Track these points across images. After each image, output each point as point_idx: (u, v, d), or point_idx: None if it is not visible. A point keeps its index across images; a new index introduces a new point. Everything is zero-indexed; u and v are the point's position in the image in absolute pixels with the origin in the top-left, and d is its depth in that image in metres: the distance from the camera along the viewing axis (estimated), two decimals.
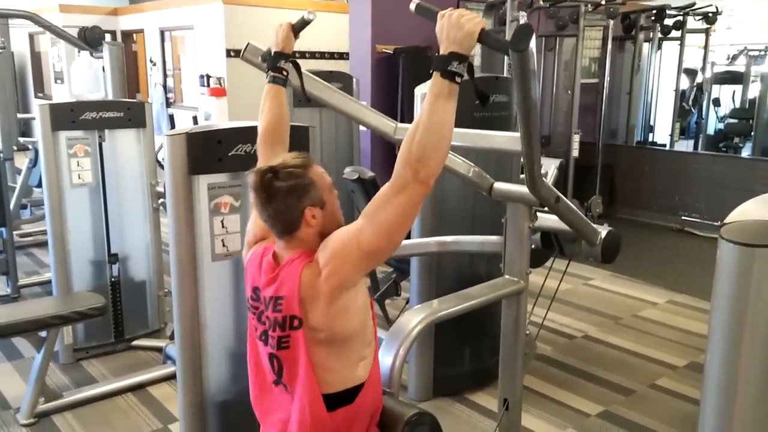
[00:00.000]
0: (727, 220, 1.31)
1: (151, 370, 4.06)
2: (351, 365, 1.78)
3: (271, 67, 2.16)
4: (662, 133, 9.05)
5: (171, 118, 11.18)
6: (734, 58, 9.81)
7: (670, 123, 8.75)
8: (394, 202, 1.59)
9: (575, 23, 7.26)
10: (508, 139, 2.43)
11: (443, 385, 3.84)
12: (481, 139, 2.54)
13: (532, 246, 2.70)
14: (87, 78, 7.04)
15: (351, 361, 1.78)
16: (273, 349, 1.78)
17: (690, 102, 9.23)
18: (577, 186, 6.91)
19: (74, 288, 4.22)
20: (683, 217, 7.60)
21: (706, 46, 8.72)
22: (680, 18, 8.30)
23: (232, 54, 9.75)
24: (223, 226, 2.48)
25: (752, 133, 8.81)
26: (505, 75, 6.19)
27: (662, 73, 8.84)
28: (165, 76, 11.72)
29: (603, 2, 6.85)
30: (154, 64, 11.85)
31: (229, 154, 2.44)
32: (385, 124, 2.59)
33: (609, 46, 7.65)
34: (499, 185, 2.65)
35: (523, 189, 2.76)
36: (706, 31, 8.53)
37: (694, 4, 8.20)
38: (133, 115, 4.30)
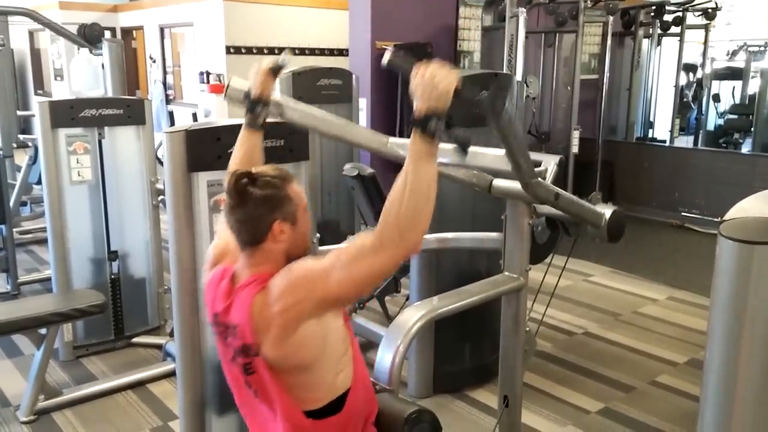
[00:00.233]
0: (726, 217, 1.31)
1: (151, 368, 4.06)
2: (328, 380, 1.74)
3: (249, 110, 2.09)
4: (662, 129, 9.04)
5: (171, 115, 11.17)
6: (734, 53, 9.81)
7: (670, 119, 8.75)
8: (375, 259, 1.55)
9: (575, 19, 7.26)
10: (496, 158, 2.40)
11: (443, 381, 3.84)
12: (472, 157, 2.51)
13: (538, 228, 2.70)
14: (86, 75, 7.05)
15: (326, 377, 1.74)
16: (243, 374, 1.75)
17: (690, 98, 9.22)
18: (577, 182, 6.91)
19: (74, 285, 4.22)
20: (683, 213, 7.60)
21: (705, 42, 8.71)
22: (680, 14, 8.29)
23: (232, 51, 9.74)
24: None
25: (752, 129, 8.80)
26: (504, 71, 6.19)
27: (662, 69, 8.83)
28: (165, 73, 11.72)
29: None
30: (154, 61, 11.84)
31: (229, 151, 2.43)
32: (376, 140, 2.53)
33: (608, 42, 7.64)
34: (499, 182, 2.65)
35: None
36: (706, 27, 8.52)
37: None
38: (132, 113, 4.29)
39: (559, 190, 2.40)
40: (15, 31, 8.47)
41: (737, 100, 9.67)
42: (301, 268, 1.65)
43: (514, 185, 2.68)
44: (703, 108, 9.29)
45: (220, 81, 9.82)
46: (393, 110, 6.71)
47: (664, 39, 8.70)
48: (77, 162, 4.15)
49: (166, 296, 4.46)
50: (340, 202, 5.26)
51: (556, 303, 5.05)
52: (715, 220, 1.46)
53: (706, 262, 1.33)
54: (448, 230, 3.23)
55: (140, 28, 12.24)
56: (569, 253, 2.91)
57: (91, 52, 6.73)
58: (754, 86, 9.25)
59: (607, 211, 2.64)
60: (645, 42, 8.57)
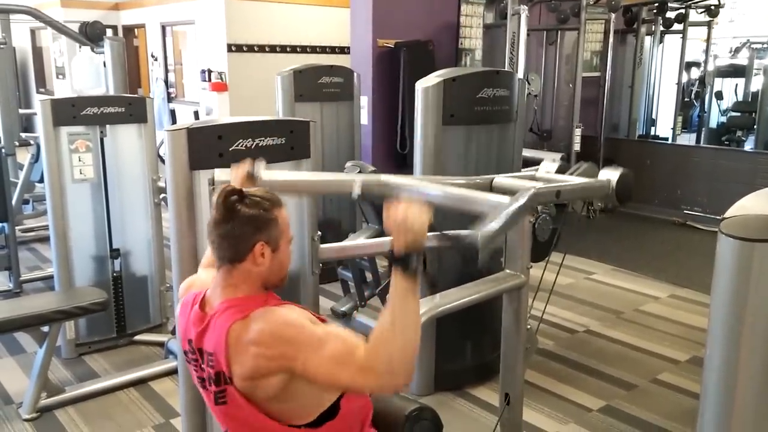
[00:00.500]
0: (727, 214, 1.31)
1: (153, 365, 4.06)
2: (315, 396, 1.69)
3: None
4: (664, 126, 9.02)
5: (172, 113, 11.19)
6: (737, 51, 9.78)
7: (672, 116, 8.74)
8: (359, 376, 1.54)
9: (577, 16, 7.25)
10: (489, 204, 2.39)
11: (445, 379, 3.84)
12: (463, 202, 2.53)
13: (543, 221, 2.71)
14: (88, 73, 7.05)
15: (312, 394, 1.68)
16: (212, 403, 1.72)
17: (692, 95, 9.21)
18: None
19: (76, 283, 4.23)
20: (685, 211, 7.59)
21: (708, 39, 8.69)
22: (682, 11, 8.27)
23: (234, 49, 9.75)
24: None
25: (755, 127, 8.77)
26: (505, 69, 6.19)
27: (664, 67, 8.82)
28: (166, 71, 11.73)
29: None
30: (156, 59, 11.86)
31: (230, 149, 2.43)
32: (345, 183, 2.50)
33: (611, 40, 7.64)
34: (500, 179, 2.66)
35: (524, 183, 2.76)
36: (709, 24, 8.51)
37: None
38: (134, 111, 4.30)
39: (559, 189, 2.40)
40: (17, 29, 8.47)
41: (740, 98, 9.65)
42: (294, 325, 1.61)
43: (516, 182, 2.69)
44: (706, 105, 9.27)
45: (221, 79, 9.83)
46: (394, 108, 6.71)
47: (667, 36, 8.68)
48: (79, 160, 4.15)
49: (168, 294, 4.47)
50: (341, 200, 5.27)
51: (558, 301, 5.06)
52: (718, 217, 1.47)
53: (708, 259, 1.32)
54: (449, 228, 3.22)
55: (142, 26, 12.25)
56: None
57: (92, 50, 6.73)
58: (757, 83, 9.22)
59: (614, 175, 2.65)
60: (647, 39, 8.55)
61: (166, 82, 11.62)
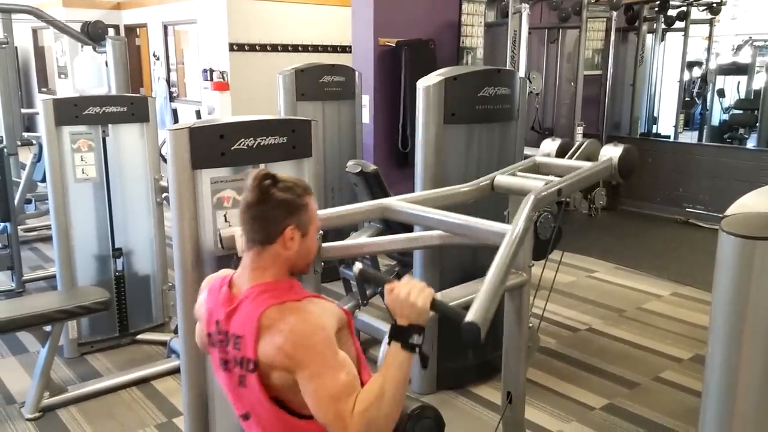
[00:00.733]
0: (728, 212, 1.31)
1: (155, 364, 4.07)
2: None
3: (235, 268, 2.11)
4: (666, 124, 9.01)
5: (174, 112, 11.20)
6: (739, 48, 9.76)
7: (674, 114, 8.72)
8: (335, 422, 1.57)
9: (578, 15, 7.25)
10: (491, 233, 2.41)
11: (447, 378, 3.85)
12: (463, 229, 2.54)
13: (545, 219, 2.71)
14: (90, 73, 7.06)
15: None
16: (235, 384, 1.74)
17: (694, 93, 9.19)
18: None
19: (79, 282, 4.23)
20: (687, 209, 7.58)
21: (710, 37, 8.66)
22: (684, 9, 8.25)
23: (235, 48, 9.75)
24: (226, 220, 2.48)
25: (757, 124, 8.75)
26: (507, 67, 6.18)
27: (666, 65, 8.80)
28: (168, 70, 11.74)
29: None
30: (158, 59, 11.87)
31: (232, 149, 2.43)
32: None
33: (612, 38, 7.63)
34: (501, 178, 2.66)
35: (525, 181, 2.77)
36: (711, 22, 8.48)
37: None
38: (136, 110, 4.30)
39: (560, 188, 2.40)
40: (19, 29, 8.48)
41: (742, 96, 9.63)
42: (323, 337, 1.63)
43: (517, 180, 2.69)
44: (708, 103, 9.26)
45: (223, 78, 9.84)
46: (396, 106, 6.71)
47: (668, 34, 8.66)
48: (81, 159, 4.16)
49: (171, 293, 4.47)
50: (343, 199, 5.27)
51: (561, 299, 5.06)
52: (720, 215, 1.47)
53: (711, 257, 1.32)
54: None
55: (144, 25, 12.26)
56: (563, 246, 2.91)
57: (94, 49, 6.74)
58: (759, 81, 9.21)
59: (615, 152, 2.66)
60: (649, 37, 8.54)
61: (168, 81, 11.63)
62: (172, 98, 11.49)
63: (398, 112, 6.70)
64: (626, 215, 7.76)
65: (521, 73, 6.29)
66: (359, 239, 3.76)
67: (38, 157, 6.14)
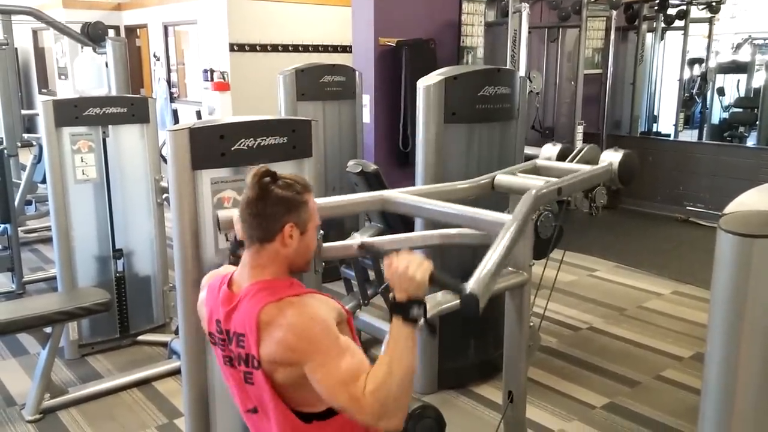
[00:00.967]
0: (726, 210, 1.31)
1: (156, 365, 4.07)
2: None
3: (232, 252, 2.11)
4: (666, 123, 9.01)
5: (175, 113, 11.20)
6: (738, 47, 9.75)
7: (674, 113, 8.72)
8: (350, 404, 1.57)
9: (578, 14, 7.24)
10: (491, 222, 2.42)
11: (448, 377, 3.85)
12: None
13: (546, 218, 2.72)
14: (90, 74, 7.07)
15: None
16: (241, 382, 1.76)
17: (694, 92, 9.19)
18: None
19: (79, 284, 4.24)
20: (688, 207, 7.58)
21: (710, 36, 8.66)
22: (683, 7, 8.26)
23: (236, 48, 9.75)
24: None
25: (757, 123, 8.76)
26: (507, 67, 6.18)
27: (666, 63, 8.80)
28: (169, 71, 11.74)
29: None
30: (158, 59, 11.86)
31: (232, 149, 2.43)
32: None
33: (612, 37, 7.63)
34: (501, 177, 2.65)
35: (526, 180, 2.77)
36: (710, 21, 8.48)
37: None
38: (136, 111, 4.30)
39: (560, 187, 2.40)
40: (19, 30, 8.49)
41: (742, 94, 9.63)
42: (322, 326, 1.63)
43: (518, 179, 2.69)
44: (708, 102, 9.25)
45: (223, 78, 9.83)
46: (396, 106, 6.71)
47: (668, 33, 8.66)
48: (81, 160, 4.16)
49: (171, 294, 4.47)
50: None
51: (562, 298, 5.06)
52: (720, 213, 1.47)
53: (711, 256, 1.33)
54: (451, 225, 3.22)
55: (144, 26, 12.25)
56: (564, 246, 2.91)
57: (94, 50, 6.74)
58: (759, 80, 9.21)
59: (615, 157, 2.66)
60: (649, 36, 8.54)
61: (168, 82, 11.63)
62: (172, 99, 11.49)
63: (399, 111, 6.70)
64: (627, 214, 7.76)
65: (521, 72, 6.29)
66: (360, 239, 3.76)
67: (38, 159, 6.14)
